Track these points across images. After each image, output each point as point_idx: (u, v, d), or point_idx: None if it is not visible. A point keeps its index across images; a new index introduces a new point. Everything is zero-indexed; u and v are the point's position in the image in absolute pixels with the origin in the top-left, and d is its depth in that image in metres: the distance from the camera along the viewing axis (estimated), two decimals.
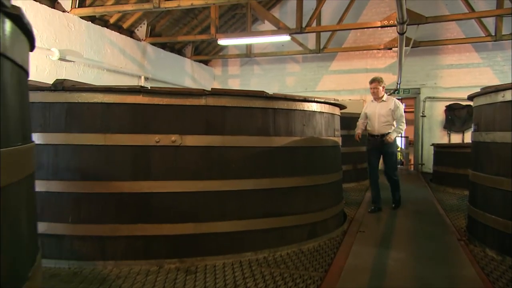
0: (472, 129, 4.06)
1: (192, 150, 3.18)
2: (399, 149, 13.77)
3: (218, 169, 3.27)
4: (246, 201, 3.37)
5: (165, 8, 6.07)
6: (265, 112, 3.47)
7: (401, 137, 16.71)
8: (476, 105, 3.88)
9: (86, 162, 3.08)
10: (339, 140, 4.40)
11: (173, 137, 3.11)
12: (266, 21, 10.84)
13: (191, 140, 3.16)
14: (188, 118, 3.19)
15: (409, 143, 12.62)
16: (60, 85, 3.00)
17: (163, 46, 9.72)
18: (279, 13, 11.24)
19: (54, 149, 3.06)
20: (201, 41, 10.91)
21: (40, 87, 3.09)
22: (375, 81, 5.13)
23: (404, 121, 5.09)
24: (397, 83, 8.64)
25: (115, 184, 3.07)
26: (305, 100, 3.71)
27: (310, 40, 10.83)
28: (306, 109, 3.71)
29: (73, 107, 3.06)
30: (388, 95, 10.09)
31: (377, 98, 5.15)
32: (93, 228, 3.06)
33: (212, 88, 3.26)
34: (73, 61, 6.63)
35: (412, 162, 12.22)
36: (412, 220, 4.74)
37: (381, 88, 5.10)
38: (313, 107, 3.79)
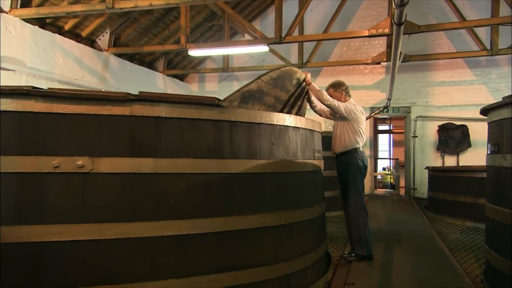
0: (488, 151, 3.20)
1: (109, 179, 2.23)
2: (389, 172, 12.96)
3: (149, 206, 2.31)
4: (191, 250, 2.41)
5: (120, 9, 5.22)
6: (219, 126, 2.55)
7: (390, 159, 15.98)
8: (495, 120, 3.03)
9: None
10: (320, 163, 3.49)
11: (80, 161, 2.16)
12: (246, 35, 10.11)
13: (107, 165, 2.21)
14: (104, 134, 2.25)
15: (399, 166, 11.80)
16: None
17: (130, 58, 8.83)
18: (260, 26, 10.50)
19: None
20: (175, 54, 10.08)
21: None
22: (329, 87, 4.03)
23: (336, 103, 3.79)
24: (388, 99, 7.84)
25: None
26: None
27: (292, 54, 10.12)
28: (275, 122, 2.81)
29: None
30: (377, 112, 9.39)
31: None
32: None
33: (140, 92, 2.33)
34: (13, 70, 5.66)
35: (402, 185, 11.38)
36: (413, 263, 3.81)
37: (338, 94, 3.94)
38: (285, 120, 2.88)
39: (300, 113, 3.98)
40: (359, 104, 4.01)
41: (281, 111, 3.56)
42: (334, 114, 4.07)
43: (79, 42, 7.19)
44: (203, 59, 10.98)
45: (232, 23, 9.17)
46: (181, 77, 11.02)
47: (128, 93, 2.28)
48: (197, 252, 2.43)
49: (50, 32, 6.35)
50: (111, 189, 2.24)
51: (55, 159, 2.13)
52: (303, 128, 3.11)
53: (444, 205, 6.58)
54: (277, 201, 2.80)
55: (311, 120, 3.26)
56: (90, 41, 7.60)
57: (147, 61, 9.47)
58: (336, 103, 3.79)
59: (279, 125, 2.85)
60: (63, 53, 6.62)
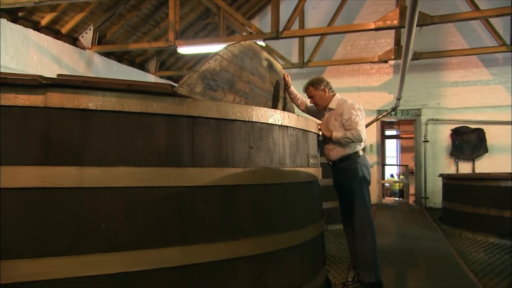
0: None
1: (10, 196, 1.58)
2: (398, 180, 12.21)
3: (70, 234, 1.66)
4: None
5: None
6: (175, 123, 1.90)
7: (398, 165, 15.19)
8: None
9: None
10: (317, 171, 2.81)
11: None
12: (244, 34, 9.51)
13: (7, 177, 1.58)
14: (3, 134, 1.60)
15: (409, 172, 11.06)
16: None
17: (119, 58, 8.24)
18: (259, 25, 9.90)
19: None
20: (168, 55, 9.50)
21: None
22: (308, 86, 3.30)
23: (358, 128, 3.00)
24: (397, 99, 7.11)
25: None
26: None
27: (293, 54, 9.49)
28: (255, 119, 2.14)
29: None
30: (384, 115, 8.67)
31: (322, 108, 3.32)
32: None
33: (59, 74, 1.69)
34: None
35: (411, 192, 10.62)
36: None
37: (320, 91, 3.24)
38: (269, 116, 2.22)
39: (287, 108, 3.33)
40: (356, 102, 3.28)
41: (265, 103, 2.92)
42: (322, 111, 3.38)
43: (59, 39, 6.60)
44: (199, 60, 10.36)
45: (228, 20, 8.55)
46: (176, 79, 10.39)
47: (41, 76, 1.64)
48: None
49: (21, 27, 5.76)
50: (12, 211, 1.58)
51: None
52: (293, 128, 2.44)
53: (461, 217, 5.84)
54: (256, 223, 2.13)
55: (304, 118, 2.60)
56: (72, 39, 7.01)
57: (138, 62, 8.88)
58: (353, 131, 3.02)
59: (260, 122, 2.19)
60: (38, 50, 6.02)
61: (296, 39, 8.91)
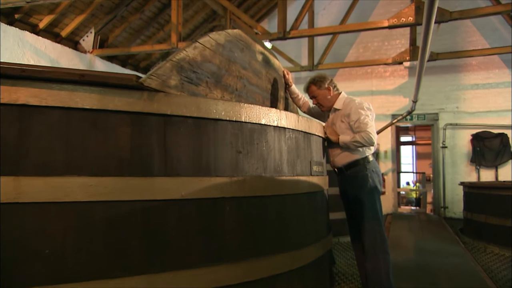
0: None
1: None
2: (415, 188, 11.66)
3: (4, 263, 1.31)
4: None
5: None
6: (143, 123, 1.55)
7: (414, 173, 14.63)
8: None
9: None
10: (322, 181, 2.43)
11: None
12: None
13: None
14: None
15: (426, 180, 10.52)
16: None
17: (123, 63, 8.02)
18: (268, 28, 9.58)
19: None
20: None
21: None
22: (310, 84, 2.88)
23: (368, 130, 2.59)
24: (413, 101, 6.64)
25: None
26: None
27: (303, 57, 9.13)
28: (244, 119, 1.78)
29: None
30: (400, 119, 8.22)
31: (327, 108, 2.91)
32: None
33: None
34: None
35: (429, 201, 10.08)
36: None
37: (324, 90, 2.83)
38: (261, 115, 1.85)
39: (290, 109, 2.96)
40: (364, 101, 2.87)
41: (262, 102, 2.56)
42: (326, 113, 2.98)
43: (58, 42, 6.39)
44: None
45: (235, 23, 8.26)
46: None
47: None
48: None
49: (17, 29, 5.55)
50: None
51: None
52: (292, 129, 2.07)
53: (486, 230, 5.35)
54: (245, 244, 1.76)
55: (305, 119, 2.23)
56: (73, 42, 6.80)
57: (142, 67, 8.64)
58: (362, 134, 2.62)
59: (251, 123, 1.83)
60: (35, 54, 5.81)
61: (306, 42, 8.56)
